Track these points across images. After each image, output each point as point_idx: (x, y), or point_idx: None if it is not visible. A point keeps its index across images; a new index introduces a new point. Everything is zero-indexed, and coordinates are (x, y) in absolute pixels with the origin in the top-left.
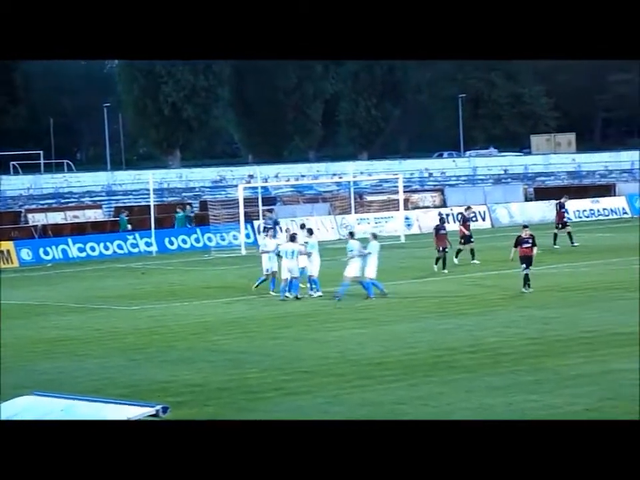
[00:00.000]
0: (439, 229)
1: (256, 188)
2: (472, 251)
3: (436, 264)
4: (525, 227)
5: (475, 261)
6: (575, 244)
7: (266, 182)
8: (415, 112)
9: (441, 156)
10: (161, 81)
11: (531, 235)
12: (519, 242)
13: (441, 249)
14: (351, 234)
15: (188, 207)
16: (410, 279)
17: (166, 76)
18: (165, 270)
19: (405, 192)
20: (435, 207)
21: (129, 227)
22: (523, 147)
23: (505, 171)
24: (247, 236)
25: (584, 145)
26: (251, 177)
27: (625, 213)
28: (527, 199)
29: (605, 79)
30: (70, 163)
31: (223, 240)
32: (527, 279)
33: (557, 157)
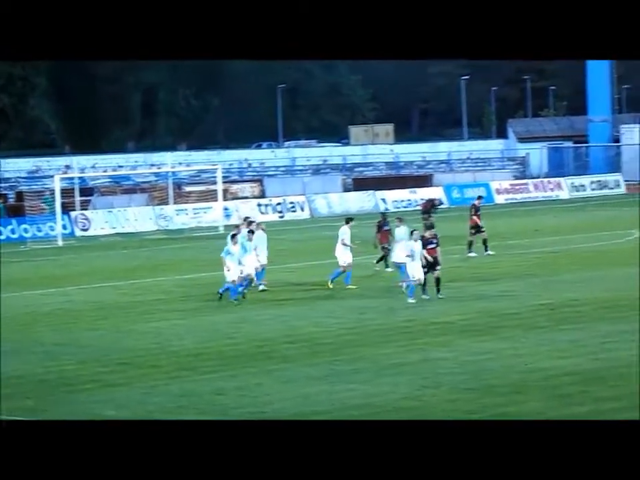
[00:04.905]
0: (381, 225)
1: (72, 179)
2: (484, 242)
3: (377, 262)
4: (431, 226)
5: (490, 252)
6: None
7: (83, 172)
8: (234, 102)
9: (259, 146)
10: None
11: (435, 235)
12: (424, 243)
13: (383, 246)
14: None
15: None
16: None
17: None
18: None
19: (224, 182)
20: (254, 197)
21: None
22: (341, 137)
23: (324, 161)
24: (64, 227)
25: (402, 136)
26: (67, 167)
27: (442, 203)
28: (345, 190)
29: (423, 70)
30: None
31: (40, 231)
32: (437, 283)
33: (375, 148)
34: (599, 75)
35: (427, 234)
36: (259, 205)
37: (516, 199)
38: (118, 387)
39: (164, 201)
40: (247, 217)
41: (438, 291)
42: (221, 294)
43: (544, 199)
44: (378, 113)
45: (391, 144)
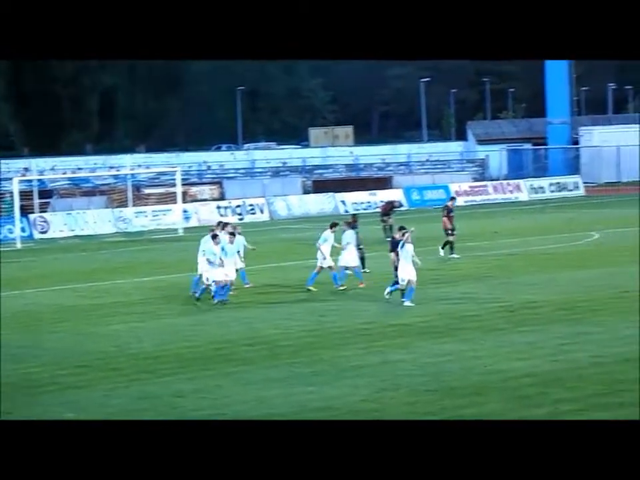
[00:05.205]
0: (354, 227)
1: (31, 181)
2: (451, 244)
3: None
4: (402, 228)
5: (455, 255)
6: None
7: (42, 175)
8: (193, 104)
9: (219, 149)
10: None
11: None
12: (394, 245)
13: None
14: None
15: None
16: (188, 272)
17: None
18: None
19: (183, 185)
20: (214, 199)
21: None
22: (301, 139)
23: (284, 163)
24: (23, 230)
25: (362, 138)
26: (26, 169)
27: (402, 205)
28: (305, 192)
29: (382, 73)
30: None
31: None
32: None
33: (335, 150)
34: (558, 77)
35: (398, 235)
36: (219, 207)
37: (475, 201)
38: (78, 390)
39: (123, 204)
40: (220, 221)
41: (403, 294)
42: (211, 296)
43: (503, 200)
44: (338, 115)
45: (351, 146)
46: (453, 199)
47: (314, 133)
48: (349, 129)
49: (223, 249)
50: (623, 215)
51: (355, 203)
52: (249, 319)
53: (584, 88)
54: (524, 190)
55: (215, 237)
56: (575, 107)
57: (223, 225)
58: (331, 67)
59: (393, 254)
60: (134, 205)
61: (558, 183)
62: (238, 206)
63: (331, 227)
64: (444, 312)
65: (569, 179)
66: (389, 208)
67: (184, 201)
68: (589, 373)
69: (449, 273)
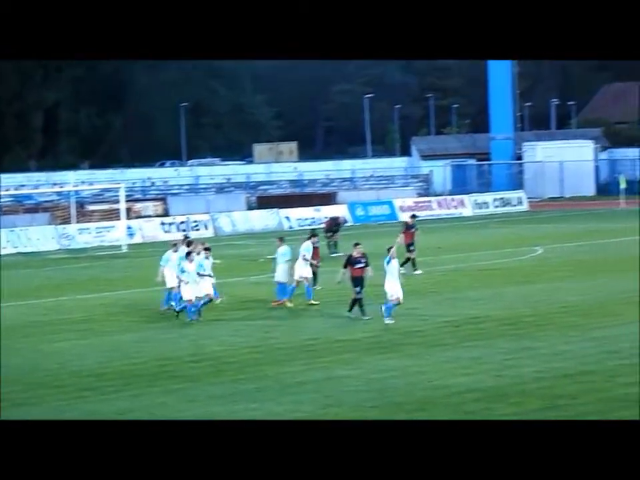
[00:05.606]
0: (314, 242)
1: None
2: (413, 261)
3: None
4: (357, 244)
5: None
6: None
7: None
8: (137, 120)
9: (163, 165)
10: None
11: (364, 254)
12: (350, 262)
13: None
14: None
15: None
16: (132, 288)
17: None
18: None
19: (127, 201)
20: (158, 215)
21: None
22: (245, 155)
23: (228, 179)
24: None
25: (306, 154)
26: None
27: (346, 221)
28: (249, 208)
29: (327, 88)
30: None
31: None
32: (360, 304)
33: (279, 166)
34: (501, 92)
35: (355, 253)
36: (163, 224)
37: (419, 217)
38: (21, 407)
39: (66, 220)
40: (186, 236)
41: (362, 313)
42: (177, 312)
43: (447, 216)
44: (282, 131)
45: (295, 162)
46: (413, 216)
47: (258, 148)
48: (293, 145)
49: (201, 266)
50: (566, 230)
51: (300, 219)
52: (193, 335)
53: (527, 104)
54: (468, 205)
55: (188, 254)
56: (518, 123)
57: (188, 242)
58: (274, 82)
59: (347, 269)
60: (77, 222)
61: (502, 198)
62: (182, 222)
63: (310, 238)
64: (389, 327)
65: (513, 194)
66: (333, 224)
67: (128, 218)
68: (531, 388)
69: None
